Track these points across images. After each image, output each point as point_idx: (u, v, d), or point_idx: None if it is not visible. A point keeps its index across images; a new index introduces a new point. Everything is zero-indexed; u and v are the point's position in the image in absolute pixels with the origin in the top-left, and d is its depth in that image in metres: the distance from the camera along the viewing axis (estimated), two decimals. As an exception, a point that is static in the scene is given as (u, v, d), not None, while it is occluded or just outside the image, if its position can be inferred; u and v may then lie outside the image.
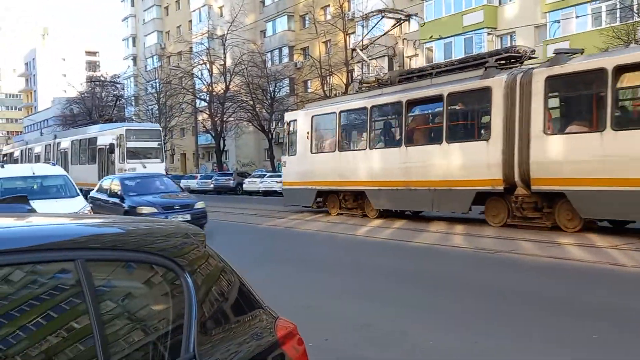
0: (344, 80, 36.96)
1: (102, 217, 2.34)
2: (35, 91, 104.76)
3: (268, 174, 36.12)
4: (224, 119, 44.34)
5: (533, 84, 12.66)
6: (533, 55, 14.77)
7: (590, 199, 11.66)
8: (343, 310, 6.72)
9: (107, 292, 1.90)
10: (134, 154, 25.18)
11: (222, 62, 45.05)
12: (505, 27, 33.07)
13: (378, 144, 17.07)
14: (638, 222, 12.13)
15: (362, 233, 14.36)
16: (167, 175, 21.65)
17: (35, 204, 7.39)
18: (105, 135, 26.42)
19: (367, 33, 25.51)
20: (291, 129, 20.06)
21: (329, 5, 43.31)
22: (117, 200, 15.12)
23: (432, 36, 33.64)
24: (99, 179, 24.57)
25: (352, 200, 18.05)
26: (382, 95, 16.82)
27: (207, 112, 46.05)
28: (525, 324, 5.90)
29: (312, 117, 19.12)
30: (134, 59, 70.42)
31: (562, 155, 12.18)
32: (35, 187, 12.92)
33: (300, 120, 19.61)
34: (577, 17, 29.41)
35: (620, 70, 11.22)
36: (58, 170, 14.59)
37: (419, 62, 38.27)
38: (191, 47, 51.69)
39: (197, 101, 48.30)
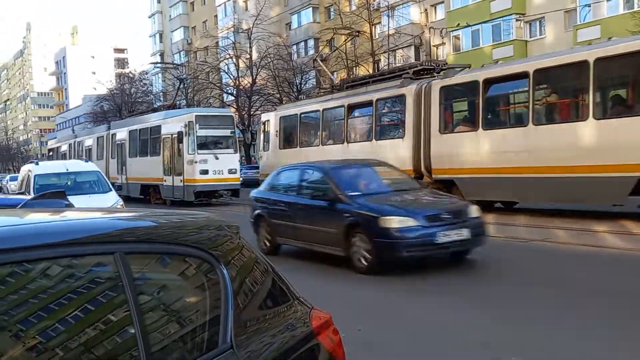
0: (370, 71, 36.76)
1: (133, 211, 2.37)
2: (66, 89, 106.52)
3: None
4: (252, 113, 44.49)
5: (432, 92, 15.78)
6: (445, 67, 17.91)
7: (472, 184, 14.57)
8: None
9: (145, 284, 1.92)
10: (204, 143, 22.08)
11: (248, 56, 45.17)
12: (534, 13, 32.47)
13: (328, 141, 19.66)
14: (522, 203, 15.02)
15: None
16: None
17: (70, 199, 7.51)
18: (171, 122, 23.27)
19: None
20: (265, 128, 22.91)
21: (354, -4, 43.08)
22: (324, 204, 9.03)
23: (459, 24, 33.24)
24: (164, 173, 23.09)
25: None
26: (331, 100, 19.83)
27: (235, 106, 46.26)
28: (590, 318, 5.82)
29: (280, 117, 22.07)
30: (162, 55, 71.04)
31: (452, 150, 15.19)
32: (69, 183, 13.15)
33: (272, 120, 22.50)
34: (608, 0, 28.71)
35: (487, 82, 14.52)
36: (91, 166, 14.83)
37: (445, 51, 37.89)
38: (217, 42, 51.91)
39: (225, 95, 48.51)
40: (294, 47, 48.64)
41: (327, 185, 9.20)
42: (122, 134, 27.89)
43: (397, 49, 37.66)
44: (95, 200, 11.92)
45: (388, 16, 37.51)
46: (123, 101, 54.79)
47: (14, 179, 52.40)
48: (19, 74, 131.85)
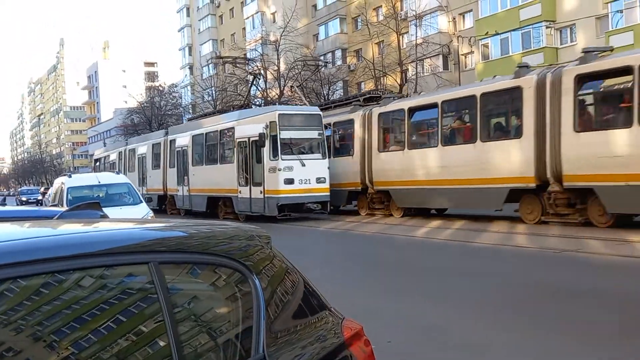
0: (398, 81, 36.68)
1: (164, 222, 2.39)
2: (97, 103, 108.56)
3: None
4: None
5: (372, 117, 19.01)
6: (385, 96, 21.10)
7: (402, 194, 17.90)
8: (406, 312, 6.65)
9: (178, 294, 1.93)
10: (288, 146, 19.00)
11: (276, 68, 45.49)
12: (564, 20, 32.04)
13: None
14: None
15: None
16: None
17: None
18: (247, 123, 20.08)
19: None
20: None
21: (381, 6, 43.09)
22: None
23: (487, 32, 32.99)
24: (239, 183, 20.20)
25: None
26: None
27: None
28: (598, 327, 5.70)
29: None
30: (191, 67, 72.05)
31: (387, 166, 18.43)
32: (101, 195, 13.39)
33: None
34: (640, 6, 28.23)
35: (411, 110, 17.78)
36: (122, 178, 15.06)
37: (474, 60, 37.60)
38: (245, 54, 52.42)
39: (253, 107, 48.84)
40: (322, 57, 48.80)
41: None
42: (183, 139, 24.53)
43: (425, 58, 37.53)
44: (127, 212, 12.11)
45: (416, 25, 37.40)
46: (153, 114, 55.61)
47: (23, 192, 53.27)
48: (53, 88, 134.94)
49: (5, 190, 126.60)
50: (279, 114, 18.93)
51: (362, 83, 44.46)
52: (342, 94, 44.71)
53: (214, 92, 52.11)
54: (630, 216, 12.87)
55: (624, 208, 12.30)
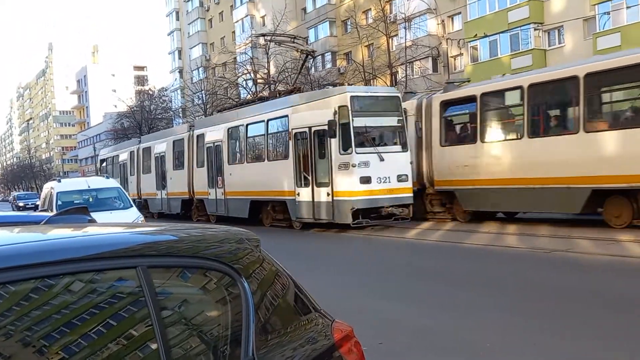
0: (388, 83, 36.78)
1: (154, 225, 2.38)
2: (87, 107, 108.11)
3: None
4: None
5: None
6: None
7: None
8: (398, 313, 6.66)
9: (167, 298, 1.93)
10: (363, 137, 15.47)
11: (266, 71, 45.50)
12: (552, 22, 32.27)
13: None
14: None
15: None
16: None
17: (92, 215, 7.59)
18: (306, 110, 16.41)
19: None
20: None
21: (370, 9, 43.23)
22: None
23: (476, 34, 33.13)
24: (297, 185, 16.66)
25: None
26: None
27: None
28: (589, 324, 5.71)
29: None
30: (180, 71, 71.91)
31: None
32: (90, 199, 13.33)
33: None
34: (627, 7, 28.43)
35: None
36: (112, 182, 15.00)
37: (463, 62, 37.77)
38: (235, 58, 52.40)
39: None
40: (311, 60, 48.85)
41: None
42: (215, 133, 20.90)
43: (415, 61, 37.67)
44: (117, 216, 12.07)
45: (405, 28, 37.55)
46: (143, 118, 55.45)
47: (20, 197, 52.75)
48: (42, 93, 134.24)
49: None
50: (351, 96, 15.29)
51: (353, 85, 44.50)
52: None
53: (204, 96, 52.05)
54: (485, 213, 15.88)
55: (475, 206, 15.69)
